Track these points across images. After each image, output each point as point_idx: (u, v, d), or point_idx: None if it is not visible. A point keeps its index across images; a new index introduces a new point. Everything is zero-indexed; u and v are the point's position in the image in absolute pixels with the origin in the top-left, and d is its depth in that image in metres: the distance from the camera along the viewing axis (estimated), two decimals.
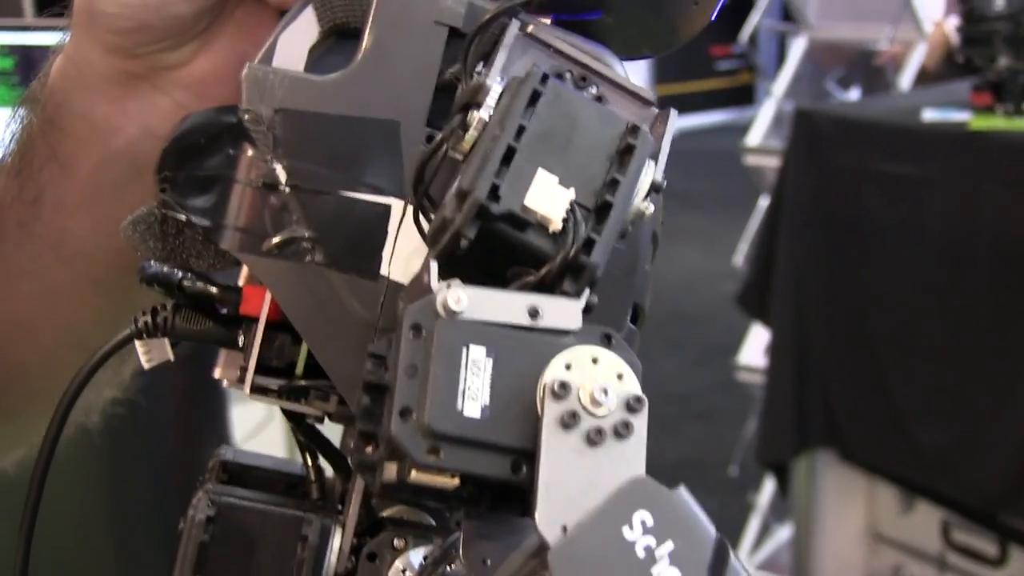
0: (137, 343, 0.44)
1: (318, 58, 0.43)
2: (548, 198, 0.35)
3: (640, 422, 0.33)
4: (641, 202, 0.37)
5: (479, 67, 0.40)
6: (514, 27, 0.40)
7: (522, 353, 0.34)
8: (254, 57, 0.46)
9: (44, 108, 0.54)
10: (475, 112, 0.37)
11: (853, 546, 2.54)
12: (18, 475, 0.66)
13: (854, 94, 3.40)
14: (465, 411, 0.33)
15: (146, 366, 0.45)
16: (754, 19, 3.53)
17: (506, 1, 0.40)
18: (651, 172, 0.37)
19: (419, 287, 0.37)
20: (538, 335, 0.34)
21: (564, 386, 0.33)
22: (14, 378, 0.62)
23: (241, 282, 0.43)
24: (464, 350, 0.33)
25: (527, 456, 0.33)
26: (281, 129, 0.42)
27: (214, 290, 0.43)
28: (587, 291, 0.35)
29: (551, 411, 0.33)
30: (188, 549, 0.42)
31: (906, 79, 3.03)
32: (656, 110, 0.42)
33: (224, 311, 0.43)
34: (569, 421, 0.33)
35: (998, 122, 2.04)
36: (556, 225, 0.35)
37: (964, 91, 2.19)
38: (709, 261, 3.82)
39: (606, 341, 0.35)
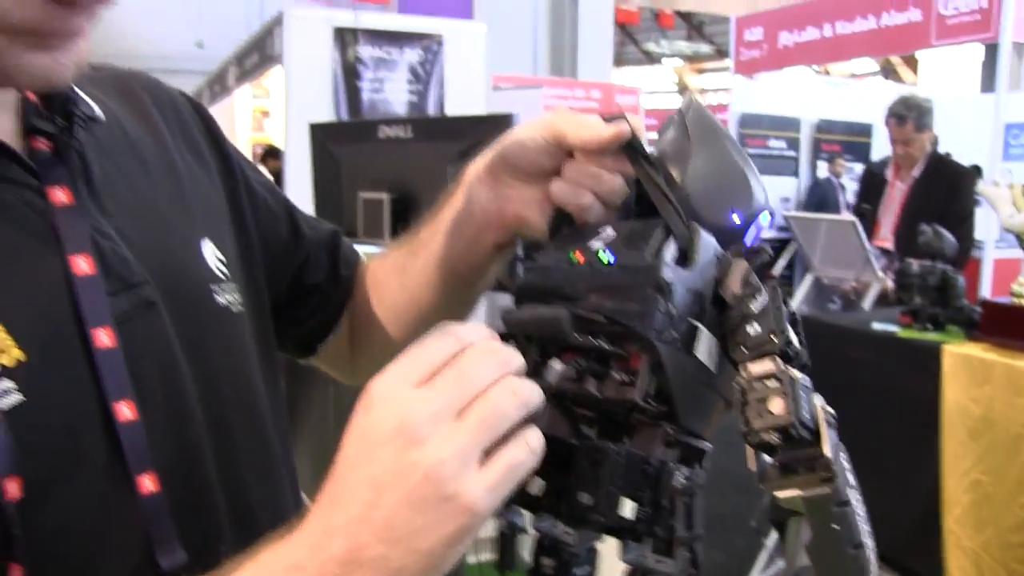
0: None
1: (673, 264, 0.62)
2: (792, 334, 0.57)
3: (831, 419, 0.55)
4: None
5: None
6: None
7: (810, 396, 0.55)
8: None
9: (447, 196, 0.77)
10: (752, 302, 0.59)
11: None
12: None
13: (835, 306, 4.04)
14: (802, 418, 0.53)
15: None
16: (781, 264, 4.33)
17: (748, 259, 0.62)
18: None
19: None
20: (810, 391, 0.55)
21: (825, 410, 0.55)
22: (389, 339, 0.88)
23: None
24: (809, 395, 0.54)
25: (816, 433, 0.54)
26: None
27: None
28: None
29: (822, 416, 0.55)
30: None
31: (867, 302, 3.76)
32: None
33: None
34: (831, 421, 0.55)
35: (914, 333, 2.56)
36: (795, 344, 0.57)
37: (895, 314, 2.72)
38: None
39: (817, 394, 0.54)
